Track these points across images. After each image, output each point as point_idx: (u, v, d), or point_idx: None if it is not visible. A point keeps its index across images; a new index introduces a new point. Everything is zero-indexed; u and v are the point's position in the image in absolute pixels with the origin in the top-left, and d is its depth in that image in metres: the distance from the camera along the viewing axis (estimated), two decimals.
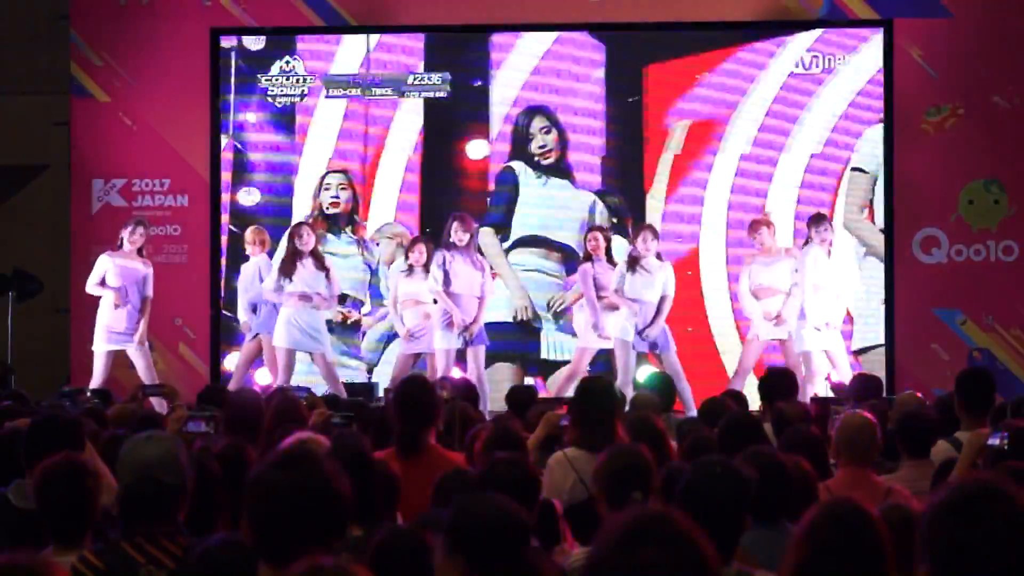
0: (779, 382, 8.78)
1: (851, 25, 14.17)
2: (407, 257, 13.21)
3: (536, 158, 14.26)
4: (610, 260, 13.08)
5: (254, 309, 13.42)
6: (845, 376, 12.17)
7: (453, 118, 14.32)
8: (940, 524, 3.05)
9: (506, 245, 14.15)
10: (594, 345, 13.14)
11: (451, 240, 12.99)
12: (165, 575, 4.19)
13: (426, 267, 13.02)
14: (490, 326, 13.36)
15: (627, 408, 7.89)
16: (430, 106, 14.31)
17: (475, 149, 14.28)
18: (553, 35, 14.22)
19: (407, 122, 14.31)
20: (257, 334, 13.35)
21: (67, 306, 14.56)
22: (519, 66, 14.24)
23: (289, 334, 12.82)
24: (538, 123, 14.24)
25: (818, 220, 13.04)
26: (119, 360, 13.14)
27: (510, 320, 14.09)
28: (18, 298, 15.03)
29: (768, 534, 4.73)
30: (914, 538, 3.75)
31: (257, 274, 13.36)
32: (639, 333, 12.75)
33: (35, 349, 15.33)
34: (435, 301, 13.03)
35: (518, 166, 14.22)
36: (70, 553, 4.46)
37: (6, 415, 7.37)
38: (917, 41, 13.99)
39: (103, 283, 13.05)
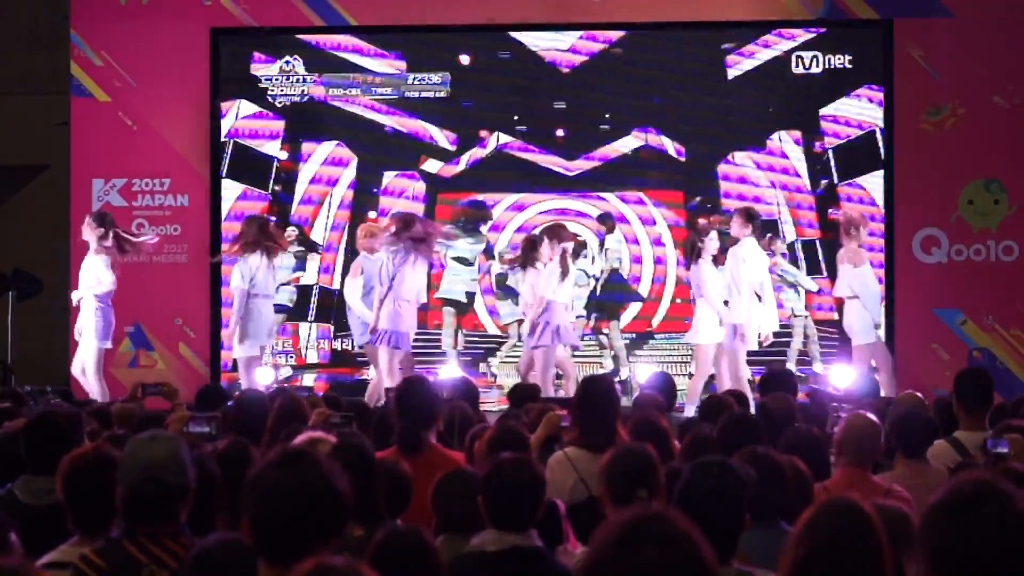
0: (779, 381, 8.78)
1: (851, 25, 14.18)
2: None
3: None
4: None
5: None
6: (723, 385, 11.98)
7: None
8: (937, 524, 3.05)
9: None
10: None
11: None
12: (168, 575, 4.19)
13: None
14: None
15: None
16: None
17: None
18: None
19: None
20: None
21: (67, 306, 14.54)
22: None
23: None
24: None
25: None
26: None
27: None
28: (18, 298, 15.03)
29: (763, 534, 4.73)
30: (902, 537, 3.76)
31: (383, 270, 12.55)
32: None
33: (35, 349, 15.32)
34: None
35: None
36: (94, 544, 4.45)
37: (3, 415, 7.39)
38: (917, 41, 13.99)
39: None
